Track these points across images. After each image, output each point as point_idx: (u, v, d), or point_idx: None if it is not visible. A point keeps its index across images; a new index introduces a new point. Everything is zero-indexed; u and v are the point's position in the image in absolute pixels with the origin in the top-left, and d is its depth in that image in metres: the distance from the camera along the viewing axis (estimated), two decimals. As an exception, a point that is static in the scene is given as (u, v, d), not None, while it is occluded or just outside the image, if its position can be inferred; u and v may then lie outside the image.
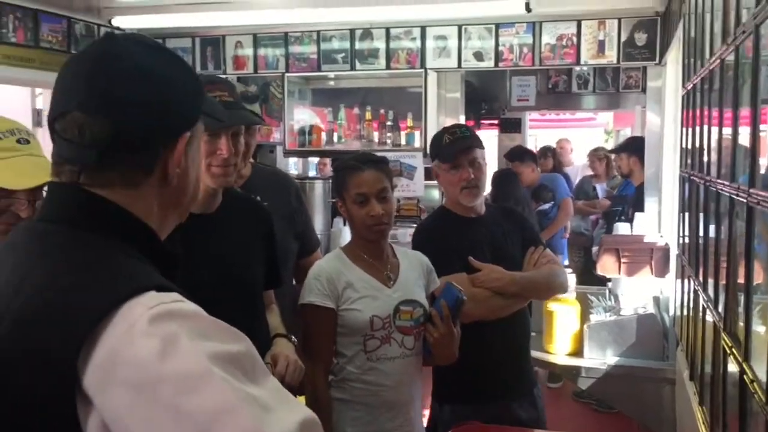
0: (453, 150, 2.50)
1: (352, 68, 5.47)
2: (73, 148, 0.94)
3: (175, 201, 1.03)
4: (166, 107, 0.96)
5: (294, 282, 2.69)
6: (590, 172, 7.07)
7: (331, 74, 5.77)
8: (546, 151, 7.08)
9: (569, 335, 3.65)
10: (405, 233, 4.94)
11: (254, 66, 5.69)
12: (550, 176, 6.24)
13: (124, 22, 5.37)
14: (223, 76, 5.39)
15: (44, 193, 1.51)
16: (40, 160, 1.63)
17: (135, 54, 0.98)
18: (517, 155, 6.20)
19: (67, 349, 0.81)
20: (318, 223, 4.94)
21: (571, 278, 3.57)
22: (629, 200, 5.50)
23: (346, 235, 2.82)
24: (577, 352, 3.63)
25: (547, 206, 5.85)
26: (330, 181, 4.45)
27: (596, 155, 6.96)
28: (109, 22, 5.30)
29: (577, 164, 7.61)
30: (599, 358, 3.54)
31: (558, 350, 3.65)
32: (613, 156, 6.53)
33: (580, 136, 8.41)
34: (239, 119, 1.87)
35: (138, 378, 0.80)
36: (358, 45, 5.44)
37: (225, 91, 1.90)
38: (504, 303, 2.44)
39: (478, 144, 2.55)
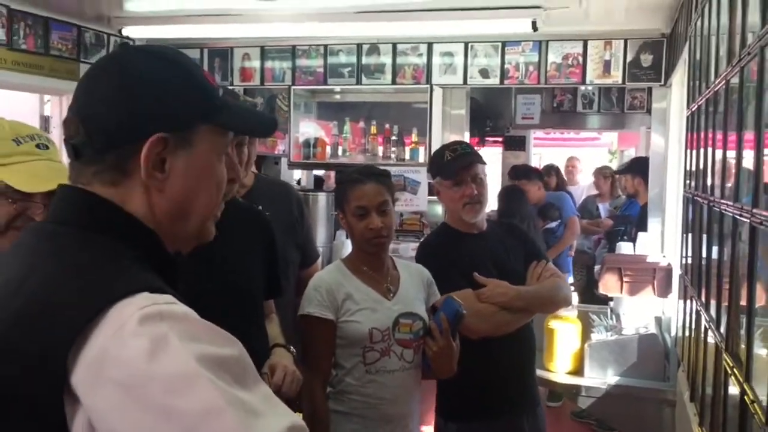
0: (455, 166, 2.50)
1: (358, 82, 5.50)
2: (68, 147, 0.98)
3: (178, 213, 1.00)
4: (133, 111, 0.95)
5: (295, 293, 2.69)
6: (594, 191, 7.07)
7: (337, 88, 5.80)
8: (550, 169, 7.09)
9: (570, 354, 3.64)
10: (407, 247, 4.94)
11: (261, 78, 5.72)
12: (556, 195, 6.23)
13: (133, 32, 5.41)
14: (231, 88, 5.42)
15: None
16: (58, 165, 1.65)
17: (127, 61, 1.00)
18: (523, 173, 6.20)
19: (57, 346, 0.82)
20: (321, 235, 4.95)
21: (574, 296, 3.57)
22: (632, 220, 5.50)
23: (348, 247, 2.83)
24: (578, 371, 3.61)
25: (554, 225, 5.84)
26: (333, 193, 4.47)
27: (602, 173, 6.96)
28: (119, 31, 5.33)
29: (583, 184, 7.60)
30: (600, 378, 3.52)
31: (558, 368, 3.64)
32: (617, 176, 6.54)
33: (585, 155, 8.41)
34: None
35: (126, 377, 0.80)
36: (364, 59, 5.47)
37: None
38: (510, 318, 2.44)
39: (480, 159, 2.56)
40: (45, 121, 5.32)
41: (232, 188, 1.07)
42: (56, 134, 5.23)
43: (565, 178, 7.24)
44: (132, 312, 0.82)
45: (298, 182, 6.04)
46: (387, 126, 5.58)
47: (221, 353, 0.84)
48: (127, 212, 0.96)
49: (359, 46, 5.46)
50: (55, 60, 5.09)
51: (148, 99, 0.96)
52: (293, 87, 5.62)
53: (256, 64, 5.72)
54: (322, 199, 5.28)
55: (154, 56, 1.02)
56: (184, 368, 0.80)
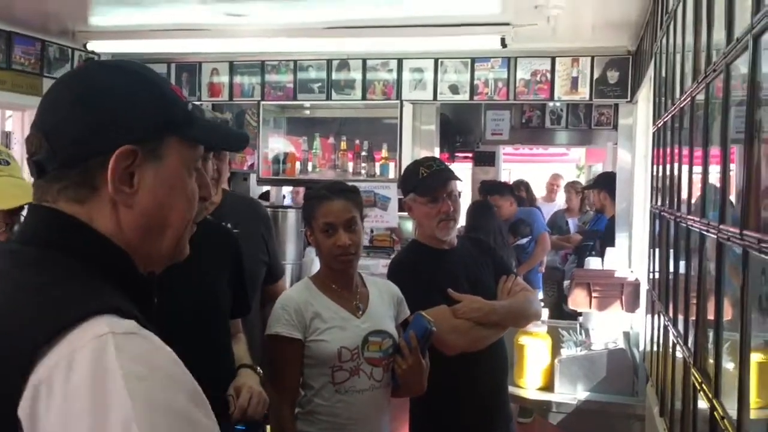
0: (433, 183, 2.49)
1: (328, 98, 5.49)
2: (30, 164, 0.94)
3: (150, 230, 0.96)
4: (97, 123, 0.92)
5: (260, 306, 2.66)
6: (563, 206, 7.13)
7: (307, 103, 5.79)
8: (520, 184, 7.13)
9: (540, 369, 3.64)
10: (378, 264, 4.91)
11: (230, 93, 5.68)
12: (527, 210, 6.25)
13: (98, 47, 5.34)
14: (198, 103, 5.37)
15: (22, 217, 1.49)
16: (20, 181, 1.61)
17: (90, 75, 0.99)
18: (495, 188, 6.21)
19: (7, 373, 0.78)
20: (290, 252, 4.90)
21: (543, 311, 3.58)
22: (600, 235, 5.55)
23: (317, 264, 2.79)
24: (548, 387, 3.61)
25: (524, 241, 5.84)
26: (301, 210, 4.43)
27: (574, 188, 7.01)
28: (84, 46, 5.26)
29: (559, 202, 7.61)
30: (570, 393, 3.52)
31: (529, 384, 3.63)
32: (585, 191, 6.60)
33: (553, 171, 8.47)
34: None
35: (64, 412, 0.75)
36: (334, 75, 5.47)
37: None
38: (486, 333, 2.43)
39: (455, 176, 2.56)
40: (6, 136, 5.23)
41: (204, 206, 1.04)
42: (17, 150, 5.13)
43: (536, 195, 7.28)
44: (85, 340, 0.78)
45: (265, 196, 5.97)
46: (357, 141, 5.57)
47: (165, 400, 0.78)
48: (94, 230, 0.92)
49: (329, 61, 5.46)
50: (17, 74, 5.00)
51: (111, 110, 0.93)
52: (262, 102, 5.60)
53: (224, 79, 5.68)
54: (291, 215, 5.24)
55: (117, 69, 0.99)
56: (122, 413, 0.74)
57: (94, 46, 5.28)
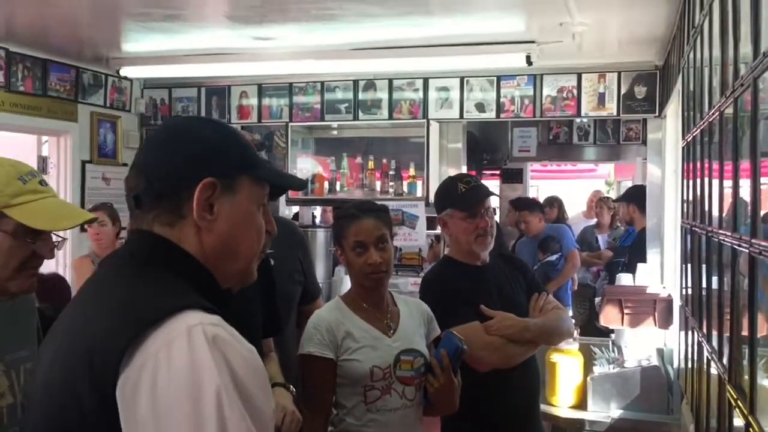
0: (472, 199, 2.51)
1: (355, 118, 5.54)
2: (129, 199, 1.16)
3: (225, 253, 1.14)
4: (185, 160, 1.13)
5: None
6: (592, 222, 7.06)
7: (335, 124, 5.84)
8: (553, 201, 7.09)
9: (572, 387, 3.60)
10: (407, 282, 4.92)
11: (258, 115, 5.76)
12: (556, 227, 6.21)
13: (131, 72, 5.46)
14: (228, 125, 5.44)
15: (52, 236, 1.58)
16: (65, 201, 1.66)
17: (179, 123, 1.29)
18: (525, 205, 6.20)
19: (110, 357, 0.97)
20: (319, 271, 4.93)
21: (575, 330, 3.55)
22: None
23: (347, 283, 2.82)
24: (581, 405, 3.57)
25: (554, 257, 5.80)
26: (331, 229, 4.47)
27: (606, 204, 6.95)
28: (117, 72, 5.38)
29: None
30: (603, 411, 3.48)
31: (561, 402, 3.60)
32: (615, 204, 6.53)
33: (582, 187, 8.42)
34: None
35: (163, 389, 0.94)
36: (361, 95, 5.52)
37: None
38: (518, 350, 2.43)
39: (491, 192, 2.59)
40: (43, 161, 5.34)
41: (269, 240, 1.24)
42: (53, 174, 5.25)
43: (567, 212, 7.21)
44: (180, 329, 0.97)
45: (294, 216, 6.03)
46: (384, 161, 5.60)
47: (243, 382, 0.96)
48: (182, 249, 1.11)
49: (356, 82, 5.51)
50: (53, 101, 5.13)
51: (197, 150, 1.14)
52: (290, 123, 5.66)
53: (253, 101, 5.76)
54: (320, 235, 5.28)
55: (202, 120, 1.26)
56: (213, 386, 0.94)
57: (127, 71, 5.40)
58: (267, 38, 4.56)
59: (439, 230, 5.72)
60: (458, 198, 2.53)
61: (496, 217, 3.08)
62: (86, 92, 5.42)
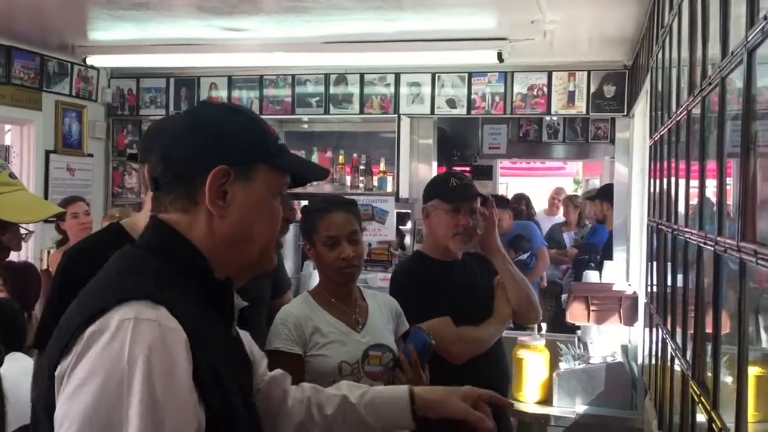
0: (461, 194, 2.52)
1: (326, 112, 5.51)
2: (150, 180, 1.19)
3: (237, 239, 1.16)
4: (200, 147, 1.15)
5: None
6: (559, 219, 7.12)
7: (305, 117, 5.81)
8: (520, 198, 7.13)
9: (538, 383, 3.63)
10: (376, 277, 4.92)
11: (228, 108, 5.69)
12: (525, 224, 6.20)
13: (98, 61, 5.37)
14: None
15: (20, 228, 1.59)
16: (35, 195, 1.68)
17: (197, 109, 1.27)
18: (497, 202, 6.14)
19: (58, 343, 1.03)
20: (288, 266, 4.90)
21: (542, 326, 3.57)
22: (596, 248, 5.55)
23: (315, 278, 2.81)
24: (547, 401, 3.60)
25: (525, 256, 5.78)
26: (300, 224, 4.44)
27: (572, 202, 7.01)
28: (84, 60, 5.28)
29: (561, 214, 7.61)
30: (568, 407, 3.52)
31: (527, 398, 3.63)
32: (587, 202, 6.57)
33: (550, 184, 8.49)
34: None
35: (86, 373, 0.98)
36: (332, 89, 5.49)
37: None
38: (491, 331, 2.48)
39: (480, 195, 2.59)
40: (5, 150, 5.23)
41: (286, 227, 1.25)
42: (16, 164, 5.14)
43: (534, 209, 7.26)
44: (113, 321, 1.00)
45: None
46: (355, 155, 5.59)
47: (155, 377, 0.98)
48: (187, 240, 1.14)
49: (327, 75, 5.48)
50: (17, 89, 5.02)
51: (212, 138, 1.16)
52: (261, 116, 5.60)
53: (223, 93, 5.70)
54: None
55: (221, 107, 1.28)
56: (119, 374, 0.97)
57: (93, 60, 5.31)
58: (237, 29, 4.51)
59: (409, 225, 5.76)
60: (447, 190, 2.54)
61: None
62: (51, 81, 5.31)
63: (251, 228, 1.17)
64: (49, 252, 4.75)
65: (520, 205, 6.86)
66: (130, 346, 0.98)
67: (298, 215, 2.51)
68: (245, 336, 1.36)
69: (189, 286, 1.11)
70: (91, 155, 5.72)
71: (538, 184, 8.58)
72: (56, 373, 1.01)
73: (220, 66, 5.45)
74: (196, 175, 1.13)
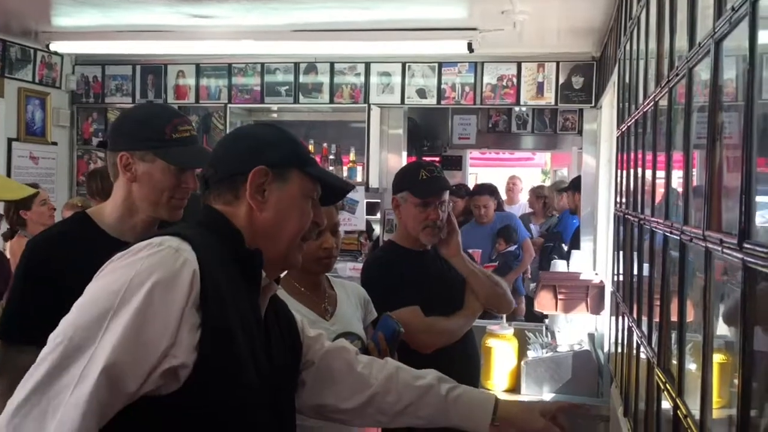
0: (430, 188, 2.51)
1: (296, 101, 5.47)
2: (201, 182, 1.45)
3: (270, 233, 1.37)
4: (243, 152, 1.39)
5: None
6: (528, 210, 7.18)
7: (274, 107, 5.76)
8: (483, 188, 7.14)
9: (507, 371, 3.66)
10: (345, 267, 4.91)
11: (196, 96, 5.63)
12: (508, 215, 6.13)
13: (61, 47, 5.26)
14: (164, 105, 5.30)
15: None
16: (6, 177, 1.68)
17: (243, 127, 1.63)
18: (485, 189, 6.06)
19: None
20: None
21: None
22: (560, 237, 5.61)
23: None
24: (515, 389, 3.64)
25: (514, 248, 5.71)
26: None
27: (536, 194, 7.06)
28: (47, 46, 5.17)
29: (523, 202, 7.69)
30: (536, 395, 3.55)
31: (496, 386, 3.66)
32: (560, 194, 6.61)
33: (519, 175, 8.55)
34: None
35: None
36: (302, 78, 5.45)
37: (190, 126, 1.88)
38: (459, 323, 2.48)
39: (450, 187, 2.58)
40: (-33, 137, 5.11)
41: (315, 229, 1.48)
42: (-21, 151, 5.02)
43: (504, 197, 7.31)
44: (144, 244, 1.24)
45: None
46: (324, 145, 5.56)
47: (147, 288, 1.18)
48: (229, 220, 1.36)
49: (296, 64, 5.44)
50: (-23, 75, 4.89)
51: (253, 145, 1.40)
52: (229, 105, 5.55)
53: (191, 81, 5.63)
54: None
55: (263, 125, 1.60)
56: (124, 281, 1.20)
57: (57, 46, 5.20)
58: (206, 16, 4.44)
59: (378, 215, 5.75)
60: (416, 183, 2.52)
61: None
62: (13, 67, 5.19)
63: (284, 223, 1.37)
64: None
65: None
66: (146, 258, 1.20)
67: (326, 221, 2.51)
68: (299, 318, 1.61)
69: (224, 253, 1.31)
70: (55, 143, 5.61)
71: (507, 175, 8.62)
72: None
73: (188, 53, 5.38)
74: (238, 173, 1.35)
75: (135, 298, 1.16)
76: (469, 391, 1.63)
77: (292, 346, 1.52)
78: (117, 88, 5.74)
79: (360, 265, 5.03)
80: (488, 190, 6.02)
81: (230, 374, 1.24)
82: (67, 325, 1.17)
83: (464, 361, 2.53)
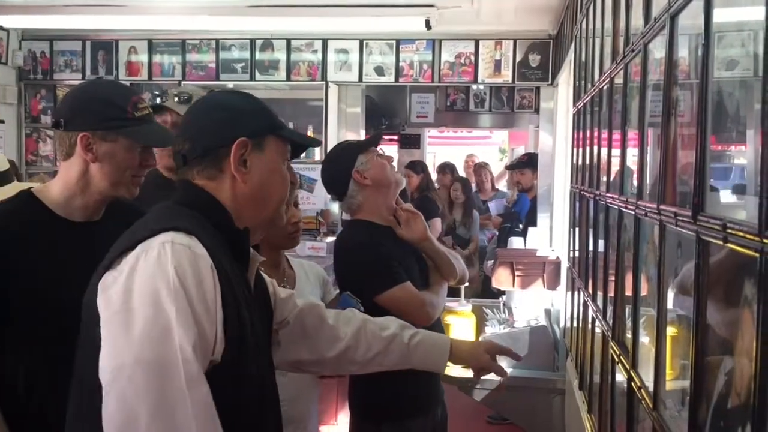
0: (373, 140, 2.50)
1: (252, 78, 5.39)
2: (177, 157, 1.40)
3: (256, 200, 1.38)
4: (222, 124, 1.37)
5: None
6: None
7: (230, 84, 5.66)
8: (445, 167, 7.18)
9: (465, 348, 3.69)
10: (303, 246, 4.88)
11: (149, 72, 5.50)
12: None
13: (8, 22, 5.08)
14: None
15: None
16: None
17: (213, 96, 1.54)
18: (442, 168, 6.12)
19: (106, 263, 1.26)
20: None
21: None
22: (518, 216, 5.67)
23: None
24: (473, 364, 3.67)
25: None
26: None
27: (484, 169, 7.15)
28: (-8, 20, 4.99)
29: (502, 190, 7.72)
30: (494, 370, 3.59)
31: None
32: (512, 172, 6.66)
33: (477, 153, 8.60)
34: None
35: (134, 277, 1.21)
36: (258, 55, 5.37)
37: (147, 103, 1.84)
38: (442, 296, 2.47)
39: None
40: None
41: (293, 189, 1.54)
42: None
43: (463, 174, 7.35)
44: (155, 243, 1.22)
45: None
46: (282, 123, 5.50)
47: (177, 287, 1.19)
48: (212, 196, 1.36)
49: (252, 41, 5.36)
50: None
51: (231, 116, 1.39)
52: (183, 82, 5.44)
53: (143, 57, 5.50)
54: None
55: (231, 93, 1.58)
56: (153, 286, 1.19)
57: (2, 21, 5.02)
58: (158, -10, 4.34)
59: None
60: (366, 142, 2.52)
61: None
62: (-44, 41, 5.00)
63: (269, 189, 1.40)
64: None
65: (445, 173, 6.89)
66: (171, 261, 1.20)
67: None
68: (269, 281, 1.63)
69: (215, 232, 1.32)
70: (2, 121, 5.43)
71: (465, 153, 8.66)
72: (100, 283, 1.23)
73: (140, 29, 5.25)
74: (220, 147, 1.35)
75: (182, 288, 1.19)
76: (428, 336, 1.79)
77: (267, 311, 1.57)
78: (66, 64, 5.58)
79: (319, 245, 5.02)
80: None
81: (237, 371, 1.29)
82: (126, 355, 1.17)
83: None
